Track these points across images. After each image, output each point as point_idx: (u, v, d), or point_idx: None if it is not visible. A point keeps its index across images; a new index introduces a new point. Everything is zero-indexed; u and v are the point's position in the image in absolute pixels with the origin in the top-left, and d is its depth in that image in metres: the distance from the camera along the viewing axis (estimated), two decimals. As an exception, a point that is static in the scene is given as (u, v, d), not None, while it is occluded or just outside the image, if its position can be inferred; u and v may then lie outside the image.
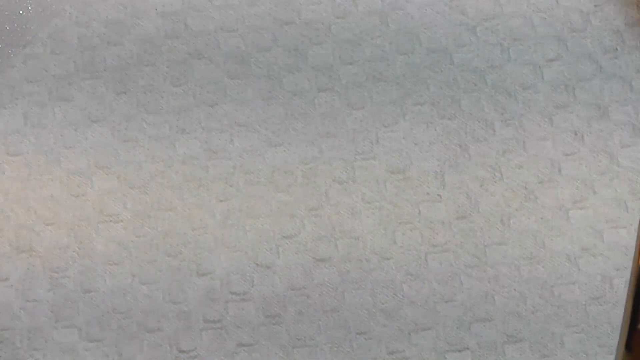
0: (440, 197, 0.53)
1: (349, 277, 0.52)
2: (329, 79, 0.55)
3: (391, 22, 0.55)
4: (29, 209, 0.53)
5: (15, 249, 0.53)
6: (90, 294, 0.52)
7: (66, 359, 0.52)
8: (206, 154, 0.54)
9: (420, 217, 0.53)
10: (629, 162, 0.54)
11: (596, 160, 0.54)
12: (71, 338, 0.52)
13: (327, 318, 0.52)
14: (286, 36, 0.55)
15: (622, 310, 0.52)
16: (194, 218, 0.53)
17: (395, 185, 0.53)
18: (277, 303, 0.52)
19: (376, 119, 0.54)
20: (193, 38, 0.55)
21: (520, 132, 0.54)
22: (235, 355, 0.52)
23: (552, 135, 0.54)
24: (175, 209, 0.53)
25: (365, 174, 0.54)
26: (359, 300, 0.52)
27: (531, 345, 0.52)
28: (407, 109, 0.54)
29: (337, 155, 0.54)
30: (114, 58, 0.55)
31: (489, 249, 0.53)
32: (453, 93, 0.54)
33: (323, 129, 0.54)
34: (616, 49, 0.55)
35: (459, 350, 0.52)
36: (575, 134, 0.54)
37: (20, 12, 0.55)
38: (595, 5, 0.55)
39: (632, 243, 0.53)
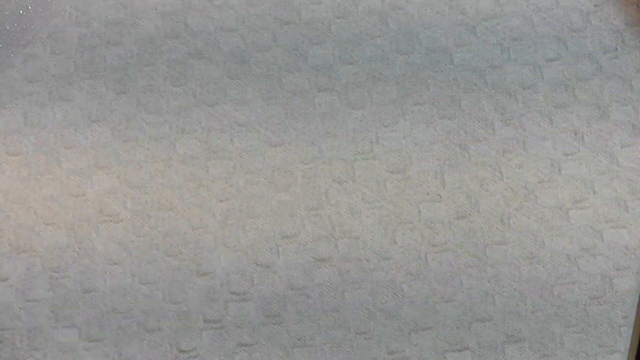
0: (440, 197, 0.53)
1: (349, 277, 0.52)
2: (329, 79, 0.55)
3: (391, 22, 0.55)
4: (29, 209, 0.53)
5: (15, 249, 0.53)
6: (90, 294, 0.52)
7: (66, 359, 0.52)
8: (206, 154, 0.54)
9: (420, 217, 0.53)
10: (629, 162, 0.54)
11: (596, 160, 0.54)
12: (71, 338, 0.52)
13: (327, 318, 0.52)
14: (286, 36, 0.55)
15: (622, 310, 0.52)
16: (194, 218, 0.53)
17: (395, 185, 0.53)
18: (277, 303, 0.52)
19: (376, 119, 0.54)
20: (193, 38, 0.55)
21: (520, 132, 0.54)
22: (235, 355, 0.52)
23: (552, 135, 0.54)
24: (175, 209, 0.53)
25: (365, 174, 0.54)
26: (359, 300, 0.52)
27: (531, 345, 0.52)
28: (407, 109, 0.54)
29: (337, 155, 0.54)
30: (114, 58, 0.55)
31: (489, 248, 0.53)
32: (453, 93, 0.54)
33: (323, 129, 0.54)
34: (616, 48, 0.55)
35: (459, 350, 0.52)
36: (575, 134, 0.54)
37: (20, 12, 0.55)
38: (595, 5, 0.55)
39: (632, 243, 0.53)
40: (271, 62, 0.55)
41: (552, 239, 0.53)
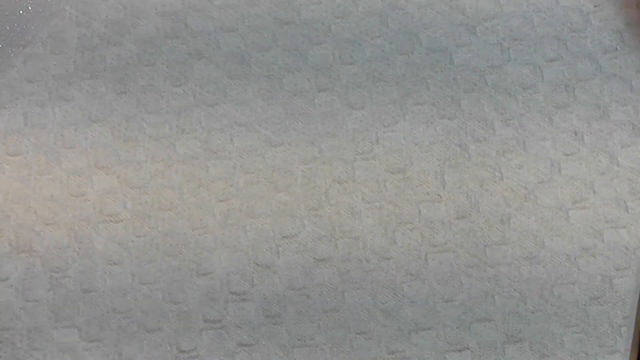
0: (440, 197, 0.53)
1: (349, 277, 0.52)
2: (329, 79, 0.55)
3: (391, 22, 0.55)
4: (29, 209, 0.53)
5: (15, 249, 0.53)
6: (90, 294, 0.52)
7: (66, 359, 0.52)
8: (206, 154, 0.54)
9: (420, 217, 0.53)
10: (629, 162, 0.54)
11: (596, 160, 0.54)
12: (71, 338, 0.52)
13: (327, 318, 0.52)
14: (286, 36, 0.55)
15: (622, 310, 0.52)
16: (194, 218, 0.53)
17: (395, 185, 0.53)
18: (277, 303, 0.52)
19: (376, 119, 0.54)
20: (193, 38, 0.55)
21: (520, 132, 0.54)
22: (235, 355, 0.52)
23: (552, 135, 0.54)
24: (175, 209, 0.53)
25: (365, 174, 0.54)
26: (359, 300, 0.52)
27: (531, 345, 0.52)
28: (407, 109, 0.54)
29: (337, 155, 0.54)
30: (114, 58, 0.55)
31: (489, 249, 0.53)
32: (453, 93, 0.54)
33: (323, 129, 0.54)
34: (616, 49, 0.55)
35: (459, 350, 0.52)
36: (575, 134, 0.54)
37: (20, 12, 0.55)
38: (595, 6, 0.55)
39: (632, 243, 0.53)
40: (271, 62, 0.55)
41: (552, 239, 0.53)
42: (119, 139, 0.54)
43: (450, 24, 0.55)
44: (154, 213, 0.53)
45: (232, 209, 0.53)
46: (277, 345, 0.52)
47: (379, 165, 0.54)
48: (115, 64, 0.55)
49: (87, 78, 0.55)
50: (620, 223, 0.53)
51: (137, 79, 0.55)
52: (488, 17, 0.55)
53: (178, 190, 0.53)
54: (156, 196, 0.53)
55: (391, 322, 0.52)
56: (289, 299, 0.52)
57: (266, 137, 0.54)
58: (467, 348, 0.52)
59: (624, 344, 0.52)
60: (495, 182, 0.53)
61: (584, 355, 0.52)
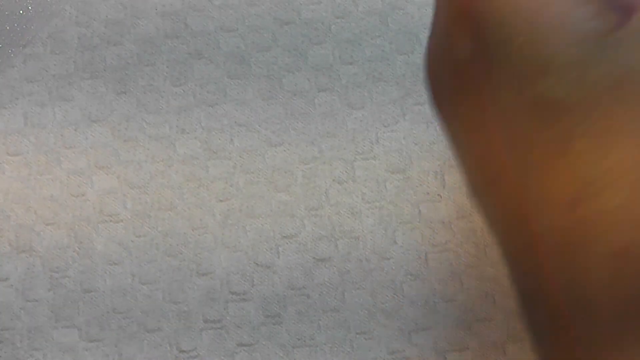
0: (441, 197, 0.53)
1: (349, 277, 0.52)
2: (329, 79, 0.55)
3: (391, 22, 0.55)
4: (29, 209, 0.53)
5: (15, 249, 0.53)
6: (90, 294, 0.52)
7: (66, 359, 0.52)
8: (206, 154, 0.54)
9: (420, 217, 0.53)
10: (630, 162, 0.54)
11: (596, 160, 0.54)
12: (71, 338, 0.52)
13: (327, 318, 0.52)
14: (286, 36, 0.55)
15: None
16: (194, 218, 0.53)
17: (395, 185, 0.53)
18: (277, 303, 0.52)
19: (376, 119, 0.54)
20: (193, 38, 0.55)
21: (521, 131, 0.54)
22: (235, 355, 0.52)
23: (552, 135, 0.54)
24: (175, 209, 0.53)
25: (365, 174, 0.53)
26: (359, 300, 0.52)
27: (532, 345, 0.52)
28: (407, 109, 0.54)
29: (337, 155, 0.54)
30: (114, 58, 0.55)
31: (489, 248, 0.53)
32: (453, 93, 0.54)
33: (323, 129, 0.54)
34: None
35: (460, 350, 0.52)
36: (576, 134, 0.54)
37: (20, 12, 0.55)
38: (596, 5, 0.55)
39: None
40: (271, 62, 0.55)
41: (552, 239, 0.53)
42: (119, 139, 0.54)
43: (450, 24, 0.55)
44: (154, 213, 0.53)
45: (232, 209, 0.53)
46: (277, 345, 0.52)
47: (379, 165, 0.54)
48: (115, 64, 0.55)
49: (87, 78, 0.55)
50: (621, 223, 0.53)
51: (137, 79, 0.55)
52: (488, 17, 0.55)
53: (178, 190, 0.53)
54: (156, 196, 0.53)
55: (391, 322, 0.52)
56: (289, 299, 0.52)
57: (266, 137, 0.54)
58: (468, 348, 0.52)
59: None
60: (496, 182, 0.53)
61: (584, 355, 0.52)
